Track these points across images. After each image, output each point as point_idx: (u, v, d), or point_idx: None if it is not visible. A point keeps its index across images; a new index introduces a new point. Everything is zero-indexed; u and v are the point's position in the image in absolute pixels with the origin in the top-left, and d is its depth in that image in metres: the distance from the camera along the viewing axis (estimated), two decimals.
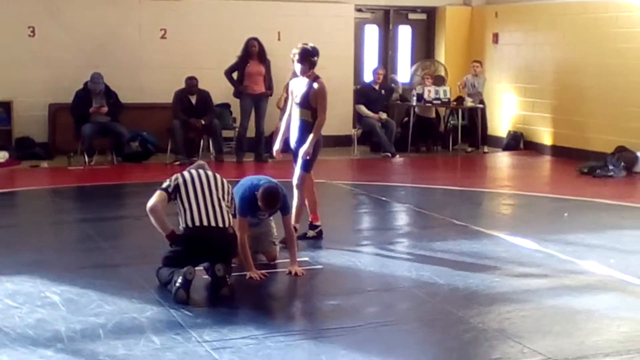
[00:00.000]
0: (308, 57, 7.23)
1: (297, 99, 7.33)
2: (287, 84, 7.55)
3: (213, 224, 5.94)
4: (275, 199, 6.36)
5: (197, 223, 5.93)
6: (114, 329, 5.19)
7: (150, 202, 6.04)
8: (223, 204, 6.04)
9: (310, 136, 7.28)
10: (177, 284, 5.69)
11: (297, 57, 7.23)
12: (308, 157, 7.32)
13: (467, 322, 5.45)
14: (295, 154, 7.45)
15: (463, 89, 14.23)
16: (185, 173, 6.18)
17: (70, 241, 7.84)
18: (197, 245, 5.93)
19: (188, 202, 5.99)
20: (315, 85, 7.25)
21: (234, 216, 6.21)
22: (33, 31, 12.62)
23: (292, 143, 7.46)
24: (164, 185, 6.11)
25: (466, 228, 8.28)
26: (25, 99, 12.54)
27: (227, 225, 6.00)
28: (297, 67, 7.29)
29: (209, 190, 6.04)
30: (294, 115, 7.41)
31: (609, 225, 8.47)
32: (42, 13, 12.63)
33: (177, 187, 6.06)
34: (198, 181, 6.08)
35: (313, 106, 7.27)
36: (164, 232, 6.06)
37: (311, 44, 7.37)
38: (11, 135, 12.51)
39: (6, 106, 12.49)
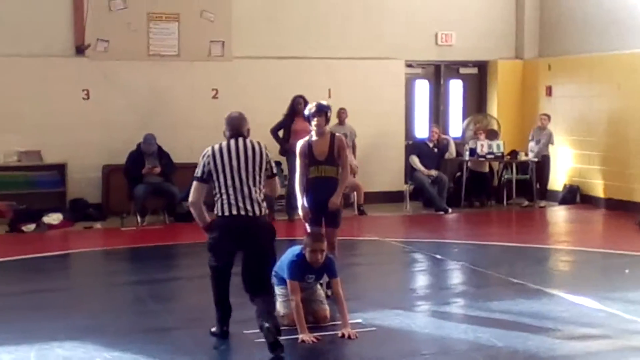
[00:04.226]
0: (325, 112, 7.39)
1: (321, 157, 7.35)
2: (301, 147, 7.42)
3: (243, 212, 5.96)
4: (321, 234, 6.70)
5: (227, 213, 5.97)
6: None
7: (190, 197, 6.15)
8: (254, 191, 6.00)
9: (340, 190, 7.39)
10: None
11: (313, 111, 7.35)
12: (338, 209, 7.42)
13: None
14: (325, 214, 7.38)
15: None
16: (217, 155, 6.05)
17: (122, 304, 7.81)
18: (230, 233, 5.99)
19: (219, 191, 6.02)
20: (338, 139, 7.39)
21: (273, 176, 6.24)
22: (87, 94, 12.84)
23: (314, 203, 7.33)
24: (197, 173, 6.12)
25: (524, 286, 8.05)
26: (79, 160, 12.70)
27: (258, 214, 5.99)
28: (314, 122, 7.34)
29: (239, 177, 6.00)
30: (315, 174, 7.34)
31: None
32: (96, 76, 12.85)
33: (209, 173, 6.05)
34: (229, 167, 6.02)
35: (337, 162, 7.39)
36: (201, 224, 6.16)
37: (324, 101, 7.55)
38: (65, 196, 12.64)
39: (61, 168, 12.66)
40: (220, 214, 6.02)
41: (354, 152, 13.75)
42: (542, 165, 13.92)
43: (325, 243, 6.53)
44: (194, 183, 6.15)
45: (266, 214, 6.10)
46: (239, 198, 5.97)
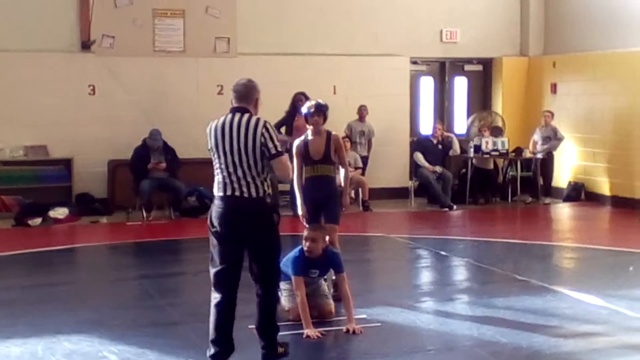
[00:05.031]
0: (323, 111, 7.31)
1: (317, 157, 7.27)
2: (297, 147, 7.32)
3: (237, 193, 5.43)
4: (318, 224, 6.86)
5: (222, 193, 5.49)
6: None
7: None
8: (252, 173, 5.41)
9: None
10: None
11: (312, 110, 7.25)
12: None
13: None
14: (321, 212, 7.31)
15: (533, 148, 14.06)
16: (213, 132, 5.50)
17: (128, 298, 7.85)
18: (225, 216, 5.46)
19: (215, 169, 5.57)
20: (334, 138, 7.32)
21: (274, 156, 5.44)
22: (93, 90, 12.88)
23: (311, 202, 7.26)
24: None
25: (528, 283, 8.07)
26: (85, 155, 12.75)
27: (254, 195, 5.42)
28: (312, 121, 7.26)
29: (231, 158, 5.42)
30: (310, 174, 7.28)
31: None
32: (101, 72, 12.88)
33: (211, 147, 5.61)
34: (221, 146, 5.44)
35: (334, 160, 7.33)
36: None
37: (322, 100, 7.45)
38: (71, 191, 12.68)
39: (67, 163, 12.71)
40: (215, 193, 5.54)
41: (369, 150, 13.82)
42: (546, 162, 13.94)
43: (323, 233, 6.56)
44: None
45: (266, 196, 5.49)
46: (234, 179, 5.42)
